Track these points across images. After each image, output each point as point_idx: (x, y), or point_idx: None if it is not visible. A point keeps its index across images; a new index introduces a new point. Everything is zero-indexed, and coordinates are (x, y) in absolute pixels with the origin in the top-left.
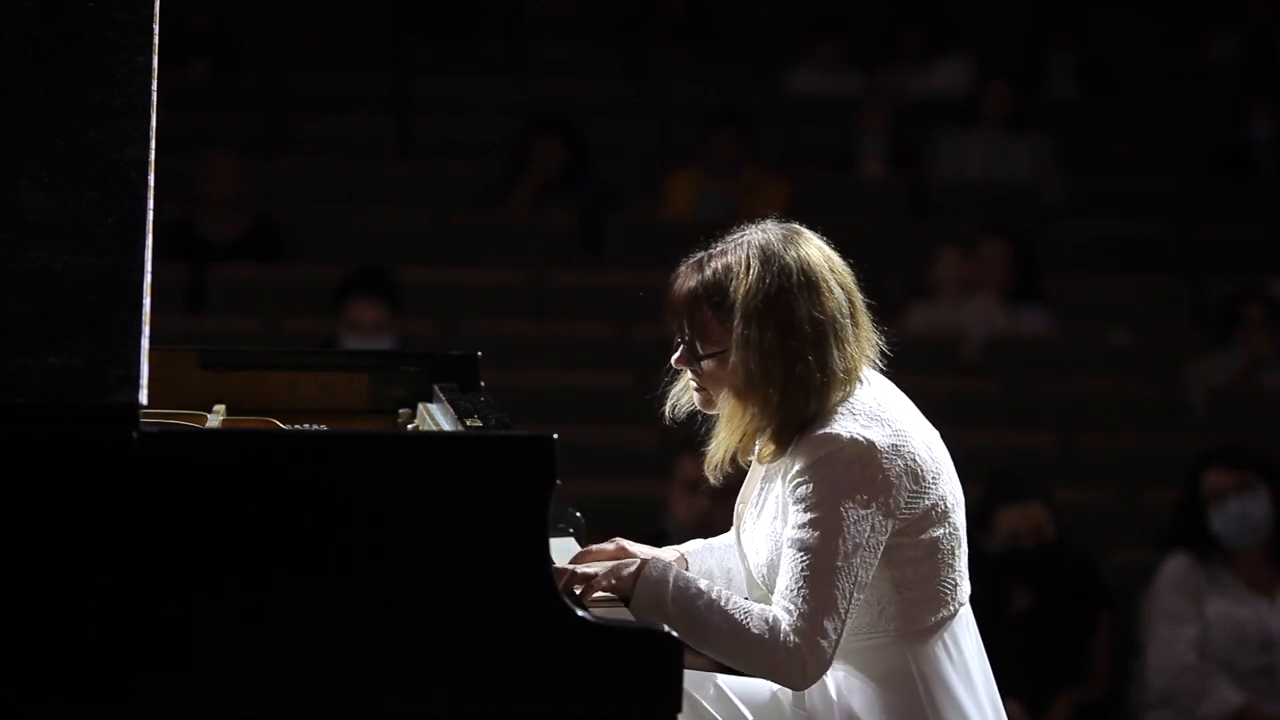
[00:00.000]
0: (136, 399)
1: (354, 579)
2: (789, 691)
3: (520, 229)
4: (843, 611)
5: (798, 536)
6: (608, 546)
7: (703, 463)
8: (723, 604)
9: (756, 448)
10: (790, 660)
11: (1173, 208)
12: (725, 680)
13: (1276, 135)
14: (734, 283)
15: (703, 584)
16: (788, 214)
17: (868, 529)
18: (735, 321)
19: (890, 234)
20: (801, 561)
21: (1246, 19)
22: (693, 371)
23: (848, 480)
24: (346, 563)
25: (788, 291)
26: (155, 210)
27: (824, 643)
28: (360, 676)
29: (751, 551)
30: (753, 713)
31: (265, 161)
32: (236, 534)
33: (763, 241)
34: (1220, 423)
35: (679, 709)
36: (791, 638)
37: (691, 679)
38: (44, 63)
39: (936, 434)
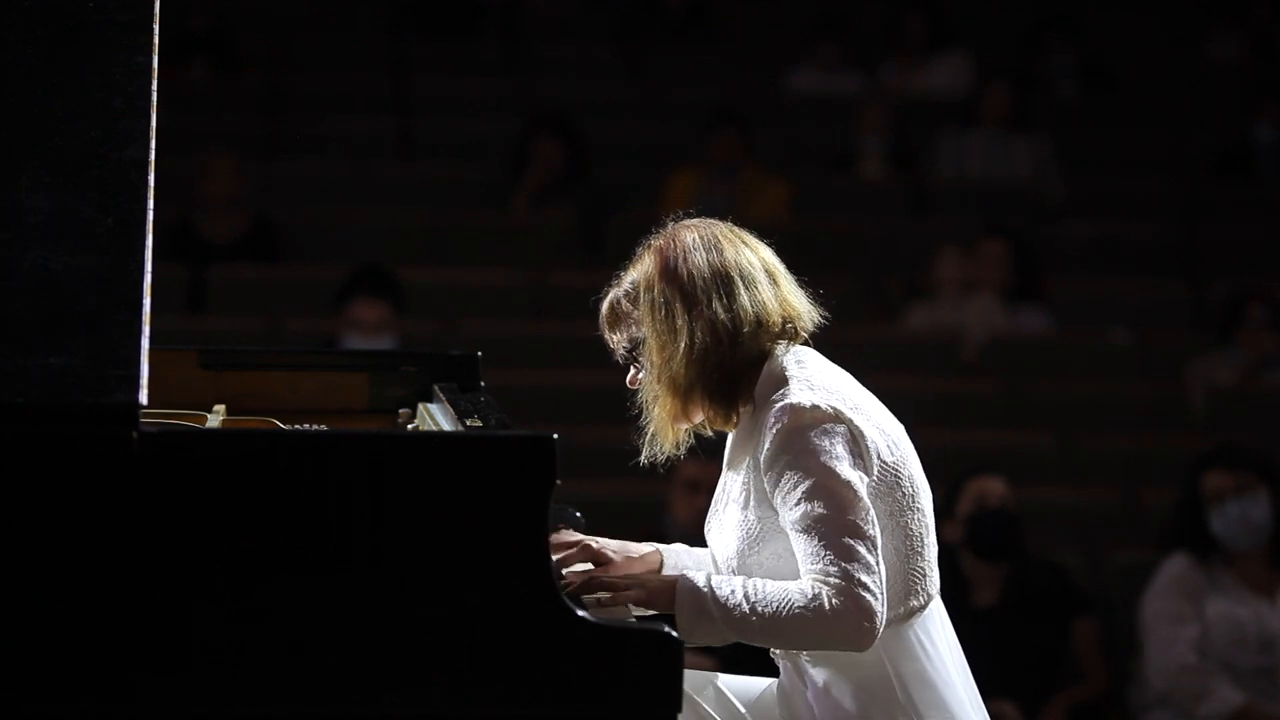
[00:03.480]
0: (136, 399)
1: (354, 579)
2: (777, 693)
3: (520, 229)
4: (873, 564)
5: (801, 513)
6: (610, 543)
7: (703, 463)
8: (762, 594)
9: (698, 416)
10: (840, 623)
11: (1173, 208)
12: (724, 680)
13: (1278, 138)
14: (639, 274)
15: (735, 581)
16: (788, 214)
17: (860, 487)
18: (641, 299)
19: (890, 234)
20: (815, 532)
21: (1246, 19)
22: (644, 384)
23: (823, 444)
24: (346, 562)
25: (686, 251)
26: (155, 210)
27: (866, 595)
28: (360, 676)
29: (720, 545)
30: (751, 712)
31: (265, 161)
32: (237, 534)
33: (663, 233)
34: (1220, 423)
35: (679, 709)
36: (833, 600)
37: (691, 679)
38: (44, 63)
39: (902, 428)
